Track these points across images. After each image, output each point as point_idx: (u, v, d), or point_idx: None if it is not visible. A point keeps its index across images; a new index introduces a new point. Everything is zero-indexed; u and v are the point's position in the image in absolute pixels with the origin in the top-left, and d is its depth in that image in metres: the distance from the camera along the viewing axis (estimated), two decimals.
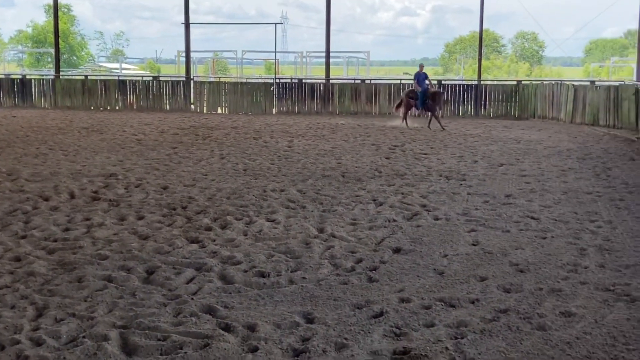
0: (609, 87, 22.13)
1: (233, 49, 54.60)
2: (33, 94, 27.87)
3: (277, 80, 27.17)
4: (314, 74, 49.80)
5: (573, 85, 23.28)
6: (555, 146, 16.02)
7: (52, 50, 36.42)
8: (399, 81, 26.86)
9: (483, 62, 32.41)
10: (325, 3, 26.41)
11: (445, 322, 5.03)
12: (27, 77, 30.76)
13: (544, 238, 7.52)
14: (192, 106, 26.73)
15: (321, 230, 7.82)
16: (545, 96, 23.89)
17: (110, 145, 15.41)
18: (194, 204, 9.20)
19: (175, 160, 13.27)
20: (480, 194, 10.07)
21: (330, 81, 26.99)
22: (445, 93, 23.93)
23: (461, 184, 10.83)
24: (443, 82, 25.90)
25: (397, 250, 7.01)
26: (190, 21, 27.79)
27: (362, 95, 25.64)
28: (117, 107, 26.95)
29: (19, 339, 4.64)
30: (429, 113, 20.89)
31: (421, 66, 21.98)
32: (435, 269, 6.38)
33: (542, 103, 23.94)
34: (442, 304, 5.42)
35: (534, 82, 26.35)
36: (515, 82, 26.13)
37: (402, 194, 9.99)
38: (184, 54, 30.01)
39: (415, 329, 4.91)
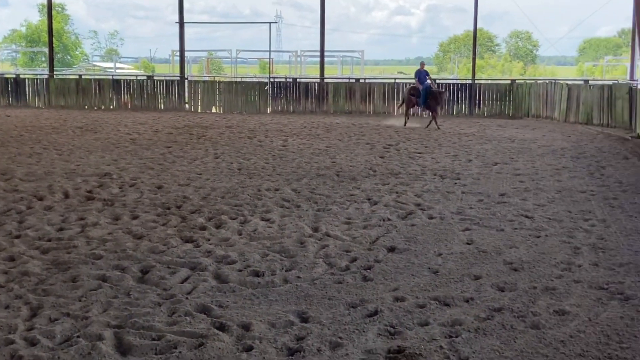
0: (602, 86, 22.18)
1: (227, 48, 54.58)
2: (27, 93, 27.79)
3: (272, 80, 27.16)
4: (309, 73, 49.84)
5: (567, 84, 23.34)
6: (549, 145, 16.06)
7: (46, 50, 36.31)
8: (393, 80, 26.87)
9: (477, 61, 32.46)
10: (319, 2, 26.41)
11: (440, 321, 5.04)
12: (21, 76, 30.69)
13: (538, 237, 7.54)
14: (187, 105, 26.69)
15: (316, 230, 7.83)
16: (539, 95, 23.93)
17: (104, 145, 15.38)
18: (188, 203, 9.19)
19: (170, 159, 13.26)
20: (474, 192, 10.08)
21: (325, 80, 26.99)
22: (446, 92, 23.90)
23: (455, 183, 10.85)
24: (437, 81, 25.87)
25: (391, 249, 7.02)
26: (185, 20, 27.76)
27: (356, 94, 25.65)
28: (111, 107, 26.90)
29: (13, 338, 4.63)
30: (430, 113, 20.85)
31: (422, 64, 22.00)
32: (429, 268, 6.39)
33: (536, 102, 23.98)
34: (437, 302, 5.43)
35: (528, 81, 26.37)
36: (509, 81, 26.15)
37: (397, 193, 10.00)
38: (178, 53, 29.98)
39: (409, 328, 4.92)
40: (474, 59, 28.73)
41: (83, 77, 29.60)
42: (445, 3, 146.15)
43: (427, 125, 20.35)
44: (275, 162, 12.93)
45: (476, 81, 26.59)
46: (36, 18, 70.62)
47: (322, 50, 27.17)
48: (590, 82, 25.22)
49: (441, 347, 4.58)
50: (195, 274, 6.14)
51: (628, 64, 30.85)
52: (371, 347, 4.60)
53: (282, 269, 6.33)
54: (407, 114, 21.30)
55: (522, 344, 4.65)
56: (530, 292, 5.70)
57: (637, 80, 23.13)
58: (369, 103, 25.59)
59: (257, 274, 6.15)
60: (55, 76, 29.18)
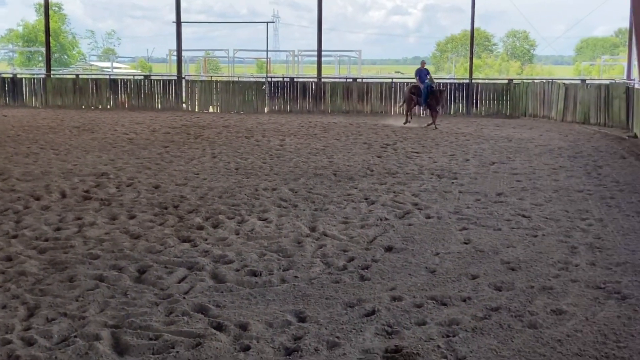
0: (599, 86, 22.21)
1: (225, 48, 54.52)
2: (24, 93, 27.74)
3: (269, 79, 27.15)
4: (306, 72, 49.80)
5: (564, 83, 23.36)
6: (546, 144, 16.08)
7: (43, 49, 36.26)
8: (390, 80, 26.87)
9: (474, 60, 32.49)
10: (316, 2, 26.40)
11: (437, 320, 5.05)
12: (18, 76, 30.63)
13: (535, 236, 7.55)
14: (184, 105, 26.67)
15: (313, 229, 7.83)
16: (536, 95, 23.96)
17: (101, 145, 15.37)
18: (185, 203, 9.19)
19: (167, 159, 13.25)
20: (471, 192, 10.09)
21: (322, 80, 26.99)
22: (446, 91, 23.84)
23: (453, 183, 10.85)
24: (434, 80, 25.88)
25: (388, 249, 7.03)
26: (182, 20, 27.73)
27: (353, 94, 25.65)
28: (108, 106, 26.86)
29: (10, 338, 4.63)
30: (431, 112, 20.79)
31: (423, 63, 22.02)
32: (427, 267, 6.39)
33: (533, 101, 24.00)
34: (434, 302, 5.44)
35: (525, 81, 26.39)
36: (506, 81, 26.18)
37: (394, 192, 10.01)
38: (175, 53, 29.96)
39: (407, 327, 4.92)
40: (471, 59, 28.75)
41: (80, 76, 29.55)
42: (442, 3, 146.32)
43: (427, 125, 20.29)
44: (273, 162, 12.93)
45: (473, 81, 26.60)
46: (33, 17, 70.58)
47: (319, 50, 27.17)
48: (587, 81, 25.26)
49: (438, 346, 4.59)
50: (192, 274, 6.14)
51: (625, 64, 30.87)
52: (368, 346, 4.61)
53: (280, 268, 6.33)
54: (408, 113, 21.26)
55: (520, 344, 4.66)
56: (528, 291, 5.71)
57: (634, 80, 23.16)
58: (366, 103, 25.59)
59: (254, 273, 6.15)
60: (52, 76, 29.13)
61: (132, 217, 8.37)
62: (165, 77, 29.57)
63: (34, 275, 6.04)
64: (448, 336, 4.78)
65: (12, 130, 18.13)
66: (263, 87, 26.32)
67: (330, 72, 50.73)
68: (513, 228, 7.92)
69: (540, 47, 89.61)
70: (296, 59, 54.92)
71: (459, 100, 25.30)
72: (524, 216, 8.51)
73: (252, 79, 30.00)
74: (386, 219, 8.32)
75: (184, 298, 5.49)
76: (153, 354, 4.51)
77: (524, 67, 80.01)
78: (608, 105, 21.20)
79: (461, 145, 15.78)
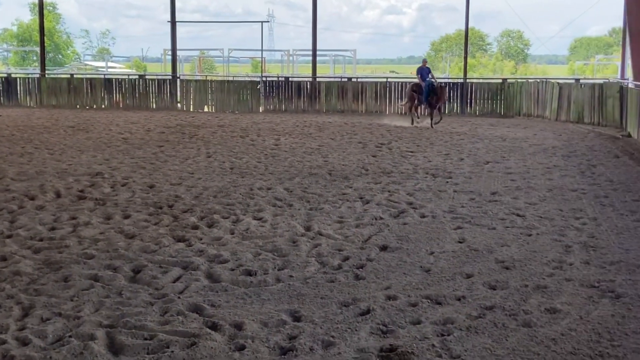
0: (593, 85, 22.27)
1: (219, 47, 54.39)
2: (18, 92, 27.67)
3: (264, 79, 27.14)
4: (301, 72, 49.84)
5: (558, 83, 23.41)
6: (540, 144, 16.11)
7: (38, 49, 36.19)
8: (385, 79, 26.88)
9: (469, 60, 32.51)
10: (311, 1, 26.40)
11: (432, 319, 5.06)
12: (13, 75, 30.54)
13: (530, 235, 7.57)
14: (179, 104, 26.63)
15: (308, 229, 7.83)
16: (530, 94, 24.00)
17: (96, 144, 15.34)
18: (180, 202, 9.18)
19: (162, 158, 13.24)
20: (466, 191, 10.11)
21: (317, 79, 26.98)
22: (448, 87, 23.75)
23: (447, 182, 10.87)
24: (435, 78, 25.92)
25: (383, 248, 7.03)
26: (177, 19, 27.70)
27: (348, 93, 25.65)
28: (103, 106, 26.81)
29: (5, 338, 4.62)
30: (431, 110, 20.71)
31: (424, 61, 21.93)
32: (421, 267, 6.41)
33: (528, 101, 24.04)
34: (429, 301, 5.45)
35: (519, 80, 26.41)
36: (500, 80, 26.21)
37: (389, 191, 10.02)
38: (170, 52, 29.91)
39: (401, 327, 4.93)
40: (465, 58, 28.76)
41: (75, 76, 29.50)
42: (436, 2, 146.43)
43: (436, 122, 20.15)
44: (268, 161, 12.93)
45: (468, 80, 26.62)
46: (27, 17, 70.42)
47: (314, 49, 27.17)
48: (581, 81, 25.32)
49: (433, 345, 4.60)
50: (187, 274, 6.14)
51: (619, 63, 30.94)
52: (363, 345, 4.61)
53: (275, 268, 6.34)
54: (412, 113, 21.10)
55: (514, 342, 4.67)
56: (522, 290, 5.72)
57: (627, 79, 23.20)
58: (361, 102, 25.59)
59: (249, 273, 6.16)
60: (46, 75, 29.07)
61: (126, 217, 8.36)
62: (160, 77, 29.53)
63: (28, 275, 6.03)
64: (443, 335, 4.79)
65: (6, 130, 18.08)
66: (258, 87, 26.31)
67: (325, 72, 50.71)
68: (507, 227, 7.93)
69: (534, 46, 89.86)
70: (291, 58, 54.86)
71: (453, 99, 25.30)
72: (518, 215, 8.53)
73: (247, 79, 29.97)
74: (381, 218, 8.33)
75: (179, 298, 5.49)
76: (148, 353, 4.50)
77: (518, 67, 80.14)
78: (602, 105, 21.26)
79: (456, 145, 15.80)
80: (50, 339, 4.67)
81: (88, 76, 31.30)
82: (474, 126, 20.60)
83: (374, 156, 13.78)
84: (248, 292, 5.66)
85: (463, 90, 25.23)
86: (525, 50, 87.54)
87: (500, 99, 24.81)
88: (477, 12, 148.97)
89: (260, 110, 25.93)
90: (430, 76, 21.09)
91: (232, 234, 7.60)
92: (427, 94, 20.55)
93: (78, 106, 26.78)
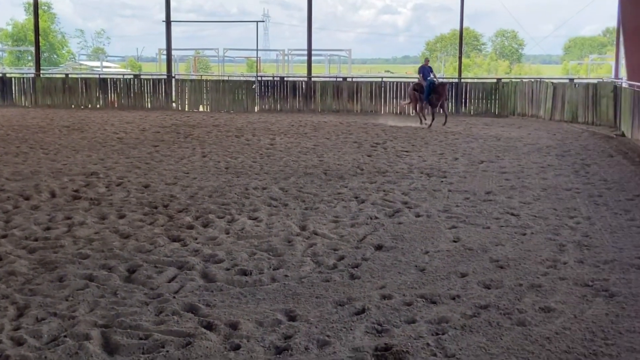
0: (587, 85, 22.33)
1: (215, 47, 54.45)
2: (13, 92, 27.59)
3: (259, 78, 27.13)
4: (296, 71, 49.78)
5: (552, 82, 23.45)
6: (534, 143, 16.15)
7: (33, 49, 36.13)
8: (380, 79, 26.89)
9: (463, 60, 32.53)
10: (306, 1, 26.40)
11: (427, 319, 5.07)
12: (7, 75, 30.45)
13: (524, 234, 7.59)
14: (174, 104, 26.61)
15: (303, 228, 7.84)
16: (524, 94, 24.04)
17: (91, 144, 15.32)
18: (175, 202, 9.18)
19: (157, 158, 13.23)
20: (460, 191, 10.13)
21: (312, 79, 26.98)
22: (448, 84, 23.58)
23: (442, 181, 10.89)
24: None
25: (378, 247, 7.05)
26: (172, 19, 27.68)
27: (344, 93, 25.65)
28: (98, 106, 26.76)
29: None
30: (441, 110, 20.56)
31: (426, 60, 21.83)
32: (416, 266, 6.42)
33: (522, 100, 24.09)
34: (423, 300, 5.46)
35: (513, 80, 26.45)
36: (495, 80, 26.24)
37: (384, 191, 10.03)
38: (165, 52, 29.88)
39: (396, 326, 4.95)
40: (460, 58, 28.80)
41: (70, 76, 29.43)
42: (431, 2, 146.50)
43: (443, 124, 20.03)
44: (263, 161, 12.93)
45: (462, 80, 26.65)
46: (22, 17, 70.37)
47: (309, 49, 27.18)
48: (575, 80, 25.37)
49: (428, 344, 4.61)
50: (182, 273, 6.14)
51: (613, 63, 31.04)
52: (358, 345, 4.62)
53: (270, 267, 6.34)
54: (419, 113, 20.95)
55: (508, 341, 4.69)
56: (516, 289, 5.74)
57: (621, 79, 23.26)
58: (357, 102, 25.60)
59: (244, 272, 6.16)
60: (41, 75, 29.01)
61: (121, 217, 8.36)
62: (155, 76, 29.50)
63: (23, 275, 6.02)
64: (437, 334, 4.80)
65: (1, 130, 18.04)
66: (253, 86, 26.29)
67: (321, 71, 50.70)
68: (502, 226, 7.95)
69: (529, 46, 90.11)
70: (286, 58, 54.83)
71: (448, 99, 25.30)
72: (512, 214, 8.55)
73: (242, 78, 29.96)
74: (376, 218, 8.35)
75: (174, 297, 5.49)
76: (143, 353, 4.51)
77: (512, 67, 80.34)
78: (596, 104, 21.31)
79: (450, 144, 15.83)
80: (45, 339, 4.67)
81: (83, 76, 31.21)
82: (469, 126, 20.63)
83: (369, 156, 13.80)
84: (243, 291, 5.67)
85: (458, 90, 25.26)
86: (520, 50, 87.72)
87: (495, 98, 24.85)
88: (472, 12, 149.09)
89: (256, 110, 25.92)
90: (432, 75, 21.01)
91: (228, 233, 7.60)
92: (427, 92, 20.40)
93: (73, 106, 26.73)
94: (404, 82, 25.95)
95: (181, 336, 4.71)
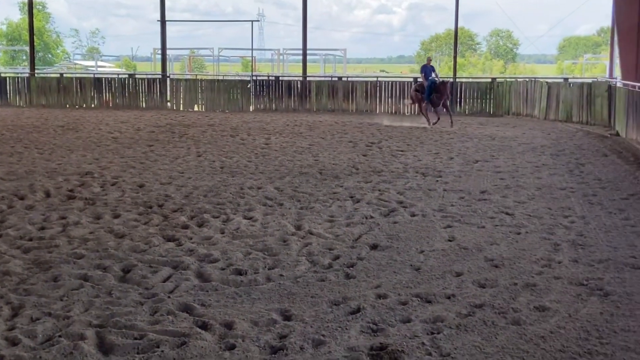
0: (582, 84, 22.37)
1: (209, 47, 54.33)
2: (8, 92, 27.50)
3: (254, 78, 27.10)
4: (291, 71, 49.80)
5: (547, 82, 23.49)
6: (529, 143, 16.17)
7: (27, 48, 36.02)
8: (375, 79, 26.90)
9: (458, 59, 32.59)
10: (301, 0, 26.39)
11: (422, 318, 5.07)
12: (2, 75, 30.34)
13: (519, 233, 7.60)
14: (169, 104, 26.56)
15: (298, 228, 7.84)
16: (519, 93, 24.08)
17: (85, 144, 15.30)
18: (170, 202, 9.17)
19: (152, 158, 13.21)
20: (455, 190, 10.14)
21: (308, 78, 26.96)
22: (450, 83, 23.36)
23: (437, 181, 10.90)
24: (419, 79, 25.94)
25: (374, 247, 7.05)
26: (167, 18, 27.63)
27: (339, 92, 25.65)
28: (92, 105, 26.71)
29: None
30: (444, 110, 20.37)
31: (429, 59, 21.74)
32: (411, 265, 6.42)
33: (517, 100, 24.12)
34: (419, 299, 5.47)
35: (508, 80, 26.50)
36: (490, 80, 26.28)
37: (379, 190, 10.04)
38: (160, 52, 29.84)
39: (392, 325, 4.95)
40: (455, 58, 28.86)
41: (64, 75, 29.36)
42: (426, 2, 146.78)
43: (451, 124, 19.77)
44: (258, 161, 12.93)
45: (457, 79, 26.69)
46: (17, 16, 70.09)
47: (304, 49, 27.16)
48: (569, 80, 25.45)
49: (423, 343, 4.61)
50: (177, 273, 6.13)
51: (607, 62, 31.12)
52: (354, 344, 4.62)
53: (265, 267, 6.34)
54: (424, 113, 20.74)
55: (503, 340, 4.70)
56: (511, 288, 5.75)
57: (615, 78, 23.33)
58: (352, 101, 25.59)
59: (239, 272, 6.16)
60: (36, 75, 28.93)
61: (116, 217, 8.34)
62: (149, 76, 29.47)
63: (18, 275, 6.01)
64: (432, 333, 4.81)
65: None
66: (248, 86, 26.27)
67: (316, 71, 50.71)
68: (496, 225, 7.97)
69: (523, 46, 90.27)
70: (281, 57, 54.82)
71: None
72: (507, 214, 8.56)
73: (237, 78, 29.93)
74: (371, 217, 8.35)
75: (169, 297, 5.49)
76: (138, 353, 4.50)
77: (507, 66, 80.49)
78: (590, 104, 21.36)
79: (445, 144, 15.84)
80: (40, 339, 4.66)
81: (78, 75, 31.17)
82: (464, 125, 20.64)
83: (364, 155, 13.80)
84: (238, 291, 5.66)
85: (452, 89, 25.26)
86: (514, 50, 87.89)
87: (490, 98, 24.88)
88: (467, 11, 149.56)
89: (251, 110, 25.89)
90: (433, 75, 20.90)
91: (223, 233, 7.59)
92: (429, 92, 20.25)
93: (68, 105, 26.67)
94: (399, 82, 25.97)
95: (176, 336, 4.70)
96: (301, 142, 15.90)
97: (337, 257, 6.66)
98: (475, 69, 75.29)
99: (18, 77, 29.67)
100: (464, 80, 28.43)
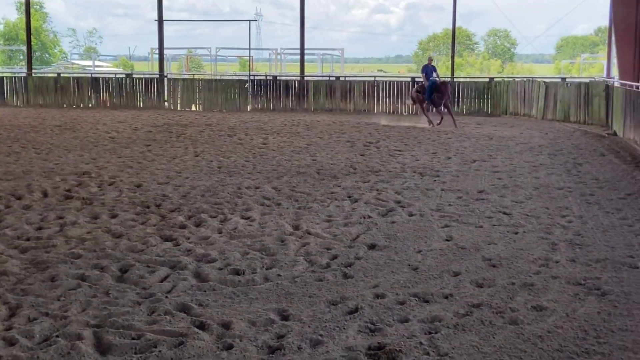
0: (579, 84, 22.40)
1: (207, 46, 54.42)
2: (5, 91, 27.45)
3: (252, 77, 27.10)
4: (289, 71, 49.78)
5: (544, 82, 23.51)
6: (527, 142, 16.18)
7: (24, 48, 35.99)
8: (373, 78, 26.90)
9: (456, 59, 32.59)
10: (299, 0, 26.38)
11: (420, 317, 5.07)
12: None
13: (516, 233, 7.60)
14: (166, 103, 26.54)
15: (296, 227, 7.83)
16: (517, 93, 24.10)
17: (83, 143, 15.28)
18: (168, 201, 9.16)
19: (149, 158, 13.19)
20: (453, 190, 10.14)
21: (305, 78, 26.96)
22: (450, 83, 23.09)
23: (435, 180, 10.90)
24: (417, 79, 25.96)
25: (372, 247, 7.05)
26: (164, 18, 27.61)
27: (336, 92, 25.64)
28: (90, 105, 26.68)
29: None
30: (445, 110, 20.18)
31: (430, 59, 21.57)
32: (409, 265, 6.42)
33: (514, 100, 24.14)
34: (416, 299, 5.47)
35: (506, 79, 26.51)
36: (487, 79, 26.30)
37: (377, 190, 10.04)
38: (157, 51, 29.81)
39: (389, 325, 4.95)
40: (452, 57, 28.85)
41: (62, 75, 29.31)
42: (424, 1, 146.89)
43: (455, 125, 19.56)
44: (256, 160, 12.92)
45: (455, 79, 26.70)
46: (14, 16, 70.08)
47: (302, 48, 27.16)
48: (567, 79, 25.47)
49: (421, 343, 4.61)
50: (174, 273, 6.12)
51: (604, 62, 31.14)
52: (351, 344, 4.62)
53: (263, 267, 6.33)
54: (425, 114, 20.60)
55: (501, 340, 4.70)
56: (509, 288, 5.75)
57: (613, 78, 23.36)
58: (349, 101, 25.59)
59: (237, 272, 6.15)
60: (33, 74, 28.90)
61: (114, 216, 8.33)
62: (147, 76, 29.44)
63: (15, 275, 5.99)
64: (430, 333, 4.80)
65: None
66: (246, 86, 26.26)
67: (313, 71, 50.72)
68: (494, 225, 7.97)
69: (521, 45, 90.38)
70: (279, 57, 54.81)
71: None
72: (505, 213, 8.57)
73: (234, 78, 29.92)
74: (369, 217, 8.35)
75: (167, 297, 5.48)
76: (135, 353, 4.49)
77: (504, 66, 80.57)
78: (588, 103, 21.38)
79: (443, 143, 15.85)
80: (37, 339, 4.65)
81: (75, 75, 31.14)
82: (461, 125, 20.63)
83: (362, 155, 13.80)
84: (236, 291, 5.66)
85: (451, 89, 25.26)
86: (512, 50, 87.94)
87: (487, 97, 24.89)
88: (465, 11, 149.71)
89: (248, 109, 25.88)
90: (435, 75, 20.78)
91: (220, 233, 7.59)
92: (429, 92, 20.08)
93: (65, 105, 26.63)
94: (397, 82, 25.98)
95: (173, 336, 4.70)
96: (299, 141, 15.89)
97: (334, 257, 6.66)
98: (473, 69, 75.34)
99: (15, 77, 29.64)
100: (461, 80, 28.46)
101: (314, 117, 23.07)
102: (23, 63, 55.10)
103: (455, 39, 28.49)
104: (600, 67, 54.55)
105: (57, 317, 5.01)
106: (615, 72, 24.61)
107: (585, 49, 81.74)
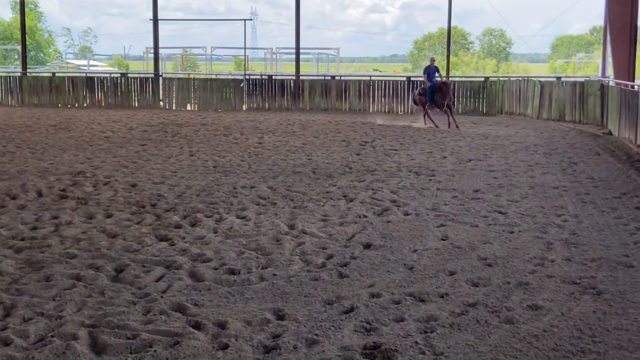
0: (574, 83, 22.44)
1: (202, 45, 54.23)
2: None
3: (247, 77, 27.07)
4: (284, 70, 49.73)
5: (539, 81, 23.55)
6: (522, 141, 16.20)
7: (19, 47, 35.88)
8: (368, 78, 26.91)
9: (451, 58, 32.64)
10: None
11: (415, 317, 5.07)
12: None
13: (512, 232, 7.61)
14: (161, 103, 26.51)
15: (292, 227, 7.83)
16: (512, 92, 24.13)
17: (78, 143, 15.25)
18: (163, 201, 9.15)
19: (144, 157, 13.17)
20: (449, 189, 10.15)
21: (301, 77, 26.95)
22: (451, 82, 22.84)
23: (430, 180, 10.91)
24: (412, 78, 25.98)
25: (367, 246, 7.05)
26: (159, 17, 27.56)
27: (332, 91, 25.64)
28: (85, 104, 26.63)
29: None
30: (439, 110, 19.95)
31: (432, 60, 21.39)
32: (405, 264, 6.42)
33: (510, 99, 24.17)
34: (412, 298, 5.47)
35: (501, 79, 26.54)
36: (483, 79, 26.32)
37: (373, 189, 10.04)
38: (152, 51, 29.76)
39: (385, 324, 4.95)
40: (448, 57, 28.85)
41: (56, 74, 29.26)
42: (419, 1, 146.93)
43: (453, 124, 19.32)
44: (251, 160, 12.91)
45: (450, 78, 26.71)
46: (9, 15, 69.84)
47: (297, 48, 27.14)
48: (562, 79, 25.47)
49: (416, 342, 4.61)
50: (170, 273, 6.11)
51: (599, 61, 31.18)
52: (347, 343, 4.62)
53: (258, 266, 6.33)
54: (429, 115, 20.25)
55: (496, 339, 4.70)
56: (504, 287, 5.76)
57: (608, 77, 23.39)
58: (345, 100, 25.59)
59: (232, 272, 6.14)
60: (28, 74, 28.82)
61: (109, 216, 8.32)
62: (142, 75, 29.37)
63: (10, 275, 5.98)
64: (426, 332, 4.81)
65: None
66: (241, 85, 26.24)
67: (309, 70, 50.66)
68: (490, 224, 7.97)
69: (516, 45, 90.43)
70: (274, 56, 54.75)
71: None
72: (500, 213, 8.57)
73: (230, 77, 29.89)
74: (365, 216, 8.35)
75: (162, 297, 5.47)
76: (131, 353, 4.48)
77: (500, 65, 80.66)
78: (583, 103, 21.42)
79: (438, 143, 15.85)
80: (32, 339, 4.64)
81: (70, 74, 31.08)
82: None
83: (357, 154, 13.80)
84: (231, 290, 5.65)
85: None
86: (507, 49, 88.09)
87: (483, 97, 24.92)
88: (460, 10, 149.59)
89: (244, 109, 25.87)
90: (437, 75, 20.60)
91: (216, 232, 7.58)
92: (431, 93, 19.89)
93: (60, 105, 26.58)
94: (392, 81, 25.98)
95: (169, 336, 4.69)
96: (294, 141, 15.89)
97: (330, 257, 6.66)
98: (469, 68, 75.42)
99: (10, 77, 29.54)
100: (457, 79, 28.48)
101: (309, 116, 23.07)
102: (18, 62, 54.96)
103: (450, 38, 28.51)
104: (595, 66, 54.62)
105: (52, 317, 5.00)
106: (610, 71, 24.64)
107: (581, 48, 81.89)
